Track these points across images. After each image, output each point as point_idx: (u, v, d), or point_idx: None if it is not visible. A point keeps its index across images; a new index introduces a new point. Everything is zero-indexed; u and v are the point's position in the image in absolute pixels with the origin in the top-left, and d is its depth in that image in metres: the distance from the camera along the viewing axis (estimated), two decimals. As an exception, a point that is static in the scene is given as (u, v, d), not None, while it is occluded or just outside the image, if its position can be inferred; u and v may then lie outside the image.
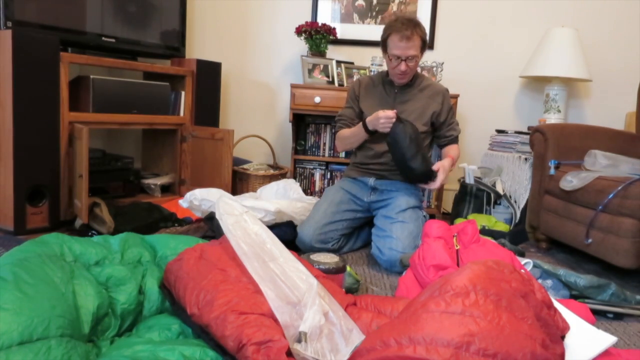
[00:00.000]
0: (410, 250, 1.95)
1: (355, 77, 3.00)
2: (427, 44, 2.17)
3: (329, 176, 3.10)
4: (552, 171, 2.32)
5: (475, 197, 2.69)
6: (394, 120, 2.01)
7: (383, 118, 2.02)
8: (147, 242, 1.53)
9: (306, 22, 2.99)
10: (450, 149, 2.26)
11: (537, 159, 2.48)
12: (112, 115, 2.42)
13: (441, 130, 2.25)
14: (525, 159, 2.61)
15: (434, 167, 2.06)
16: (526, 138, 2.65)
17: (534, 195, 2.50)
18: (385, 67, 2.31)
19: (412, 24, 2.06)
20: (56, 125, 2.17)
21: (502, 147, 2.83)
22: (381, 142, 2.16)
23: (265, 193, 2.42)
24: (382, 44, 2.13)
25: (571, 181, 2.12)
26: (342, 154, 3.05)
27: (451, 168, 2.16)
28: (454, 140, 2.28)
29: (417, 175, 2.05)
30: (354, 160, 2.34)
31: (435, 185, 2.06)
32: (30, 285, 1.06)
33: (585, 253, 2.18)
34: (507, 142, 2.79)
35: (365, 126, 2.13)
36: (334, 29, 3.00)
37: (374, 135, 2.16)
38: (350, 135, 2.25)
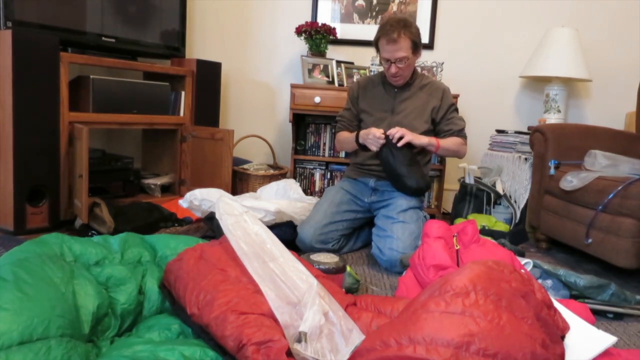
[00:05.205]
0: (411, 251, 1.95)
1: (355, 77, 3.00)
2: (421, 44, 2.14)
3: (329, 176, 3.10)
4: (552, 171, 2.32)
5: (475, 197, 2.69)
6: (382, 141, 2.03)
7: (372, 136, 2.05)
8: (147, 242, 1.53)
9: (306, 22, 2.99)
10: (447, 138, 2.19)
11: (537, 159, 2.48)
12: (112, 115, 2.42)
13: (440, 125, 2.22)
14: (525, 159, 2.61)
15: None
16: (526, 138, 2.65)
17: (534, 195, 2.50)
18: (385, 67, 2.31)
19: (401, 25, 2.03)
20: (56, 125, 2.17)
21: (502, 147, 2.83)
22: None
23: (265, 193, 2.42)
24: (375, 46, 2.14)
25: (571, 181, 2.12)
26: (342, 154, 3.05)
27: (428, 142, 2.08)
28: (454, 134, 2.20)
29: (407, 192, 2.13)
30: (354, 161, 2.33)
31: (391, 133, 2.03)
32: (30, 285, 1.06)
33: (585, 253, 2.18)
34: (507, 142, 2.79)
35: (357, 138, 2.16)
36: (334, 29, 3.00)
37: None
38: (344, 141, 2.29)
